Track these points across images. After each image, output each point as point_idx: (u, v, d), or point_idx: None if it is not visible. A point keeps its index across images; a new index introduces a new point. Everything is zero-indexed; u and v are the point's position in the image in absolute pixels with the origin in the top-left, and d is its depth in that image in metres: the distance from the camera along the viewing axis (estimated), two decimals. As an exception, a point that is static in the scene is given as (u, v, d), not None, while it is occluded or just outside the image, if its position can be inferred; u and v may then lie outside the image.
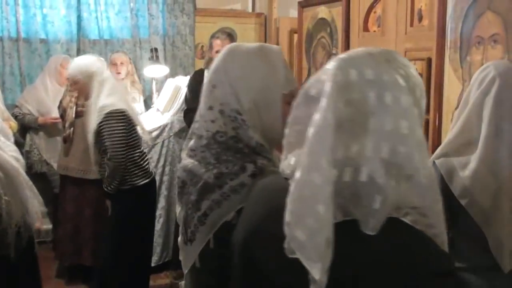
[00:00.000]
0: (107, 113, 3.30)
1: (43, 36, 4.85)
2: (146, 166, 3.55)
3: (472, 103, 1.75)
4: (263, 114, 1.48)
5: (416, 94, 0.97)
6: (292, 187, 0.96)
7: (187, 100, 4.16)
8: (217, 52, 3.92)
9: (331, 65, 0.98)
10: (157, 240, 4.40)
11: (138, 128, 3.55)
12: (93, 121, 3.35)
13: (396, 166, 0.91)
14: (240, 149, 1.44)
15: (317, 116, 0.93)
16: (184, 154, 1.57)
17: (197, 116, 1.53)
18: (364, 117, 0.92)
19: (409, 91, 0.94)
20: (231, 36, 4.07)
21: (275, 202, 1.05)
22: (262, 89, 1.48)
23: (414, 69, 1.01)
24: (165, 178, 4.44)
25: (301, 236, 0.92)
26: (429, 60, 2.76)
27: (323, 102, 0.93)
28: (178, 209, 1.61)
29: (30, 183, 2.70)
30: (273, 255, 0.97)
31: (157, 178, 4.39)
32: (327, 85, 0.94)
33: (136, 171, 3.46)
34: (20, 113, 4.39)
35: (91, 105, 3.43)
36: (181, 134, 4.39)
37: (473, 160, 1.71)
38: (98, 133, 3.34)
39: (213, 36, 4.10)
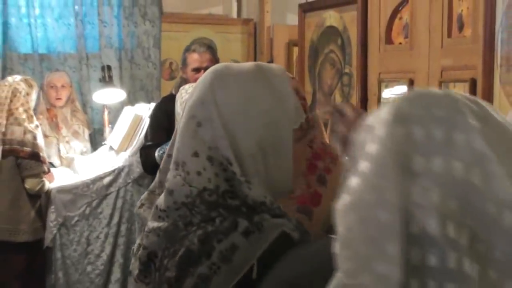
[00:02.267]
0: None
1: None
2: None
3: None
4: (269, 160, 1.47)
5: None
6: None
7: (146, 134, 4.16)
8: (193, 70, 3.94)
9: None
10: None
11: None
12: None
13: (457, 220, 0.94)
14: (236, 207, 1.44)
15: (371, 149, 0.99)
16: (146, 214, 1.56)
17: (172, 164, 1.51)
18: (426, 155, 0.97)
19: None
20: (211, 49, 4.09)
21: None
22: (267, 127, 1.47)
23: None
24: (121, 240, 4.42)
25: (367, 282, 0.94)
26: (473, 82, 2.78)
27: (380, 131, 0.98)
28: None
29: None
30: None
31: (110, 240, 4.38)
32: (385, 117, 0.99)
33: None
34: None
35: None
36: (143, 180, 4.39)
37: None
38: None
39: (187, 50, 4.09)
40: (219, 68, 1.53)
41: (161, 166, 1.60)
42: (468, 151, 0.95)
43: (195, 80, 3.85)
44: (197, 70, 3.95)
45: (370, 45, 3.52)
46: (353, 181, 0.99)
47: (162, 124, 4.06)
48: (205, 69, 3.85)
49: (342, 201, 1.01)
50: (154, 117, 4.16)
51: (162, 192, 1.53)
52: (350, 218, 0.98)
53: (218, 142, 1.44)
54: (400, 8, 3.32)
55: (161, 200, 1.50)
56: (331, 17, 3.89)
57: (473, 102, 1.00)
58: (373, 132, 0.99)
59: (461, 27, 2.96)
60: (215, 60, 3.98)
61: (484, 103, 1.01)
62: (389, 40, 3.42)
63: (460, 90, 2.84)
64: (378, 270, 0.93)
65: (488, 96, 2.68)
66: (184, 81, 4.11)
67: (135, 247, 1.57)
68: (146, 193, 1.63)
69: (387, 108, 1.00)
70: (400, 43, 3.36)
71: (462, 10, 2.95)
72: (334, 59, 3.87)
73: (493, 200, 0.93)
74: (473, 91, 2.75)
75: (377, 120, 1.01)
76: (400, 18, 3.35)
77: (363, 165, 0.98)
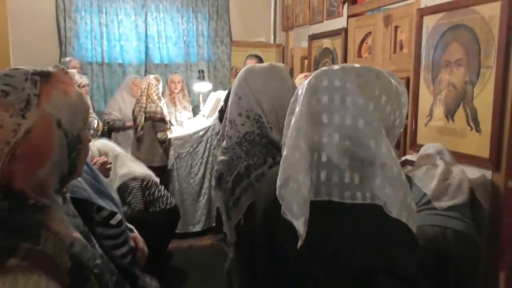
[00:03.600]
0: None
1: (120, 61, 4.90)
2: None
3: None
4: (278, 116, 1.47)
5: (380, 99, 0.92)
6: (281, 161, 0.96)
7: (222, 107, 4.18)
8: None
9: (312, 74, 0.97)
10: (202, 211, 4.42)
11: None
12: None
13: (350, 151, 0.89)
14: (265, 144, 1.43)
15: (296, 109, 0.94)
16: (218, 152, 1.56)
17: (227, 122, 1.51)
18: (329, 113, 0.91)
19: (367, 96, 0.90)
20: (259, 58, 4.05)
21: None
22: (277, 97, 1.47)
23: (386, 83, 0.95)
24: (209, 166, 4.46)
25: (286, 196, 0.91)
26: (407, 79, 2.71)
27: (301, 99, 0.94)
28: (213, 193, 1.60)
29: None
30: (280, 223, 0.96)
31: (203, 166, 4.42)
32: (305, 87, 0.95)
33: None
34: (110, 119, 4.45)
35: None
36: (221, 133, 4.41)
37: None
38: None
39: (246, 58, 4.12)
40: (249, 66, 1.55)
41: (222, 125, 1.61)
42: (355, 107, 0.89)
43: None
44: None
45: (348, 58, 3.46)
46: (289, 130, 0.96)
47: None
48: None
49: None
50: (226, 98, 4.17)
51: (223, 139, 1.53)
52: (285, 153, 0.95)
53: (252, 106, 1.46)
54: (366, 37, 3.26)
55: (224, 143, 1.50)
56: (326, 42, 3.82)
57: (359, 74, 0.93)
58: (300, 99, 0.95)
59: (401, 48, 2.89)
60: None
61: (364, 74, 0.93)
62: (359, 55, 3.36)
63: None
64: (292, 187, 0.91)
65: (416, 87, 2.62)
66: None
67: (214, 171, 1.57)
68: (216, 140, 1.64)
69: (305, 84, 0.96)
70: (366, 57, 3.29)
71: (402, 38, 2.88)
72: (328, 66, 3.81)
73: (373, 137, 0.88)
74: (407, 84, 2.69)
75: (300, 91, 0.97)
76: (367, 43, 3.28)
77: (291, 120, 0.96)
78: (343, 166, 0.88)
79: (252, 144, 1.43)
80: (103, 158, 2.21)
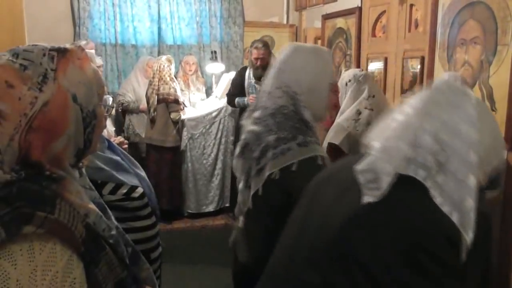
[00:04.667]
0: None
1: (133, 42, 4.90)
2: None
3: None
4: (314, 97, 1.50)
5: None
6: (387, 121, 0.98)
7: (230, 87, 4.18)
8: (254, 59, 3.91)
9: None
10: (215, 192, 4.46)
11: None
12: None
13: (445, 143, 0.91)
14: (297, 121, 1.46)
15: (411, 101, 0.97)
16: (247, 122, 1.58)
17: (262, 93, 1.54)
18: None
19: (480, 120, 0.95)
20: (266, 45, 4.00)
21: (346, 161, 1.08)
22: (316, 79, 1.50)
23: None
24: (222, 147, 4.48)
25: (377, 145, 0.94)
26: (422, 58, 2.67)
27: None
28: (234, 161, 1.62)
29: None
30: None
31: (215, 146, 4.44)
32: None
33: None
34: (124, 100, 4.45)
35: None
36: (233, 114, 4.41)
37: None
38: None
39: (252, 45, 4.05)
40: (295, 45, 1.57)
41: (257, 96, 1.65)
42: (465, 114, 0.92)
43: (256, 63, 3.88)
44: (256, 59, 3.93)
45: (362, 37, 3.39)
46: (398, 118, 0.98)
47: (237, 81, 4.07)
48: (261, 59, 3.84)
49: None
50: (234, 78, 4.18)
51: (257, 110, 1.56)
52: (391, 135, 0.95)
53: (291, 83, 1.48)
54: (381, 16, 3.20)
55: (258, 113, 1.54)
56: (340, 22, 3.77)
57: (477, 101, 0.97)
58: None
59: (416, 26, 2.83)
60: (267, 52, 3.92)
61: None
62: (373, 35, 3.29)
63: (415, 63, 2.73)
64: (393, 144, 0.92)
65: (432, 66, 2.58)
66: (250, 62, 4.05)
67: (241, 139, 1.60)
68: (247, 112, 1.65)
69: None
70: (380, 36, 3.23)
71: (417, 16, 2.82)
72: (341, 46, 3.77)
73: (468, 144, 0.90)
74: (422, 63, 2.65)
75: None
76: (381, 22, 3.22)
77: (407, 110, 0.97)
78: (433, 150, 0.90)
79: (285, 117, 1.46)
80: (120, 138, 2.23)
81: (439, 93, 0.95)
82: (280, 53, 1.57)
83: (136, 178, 1.48)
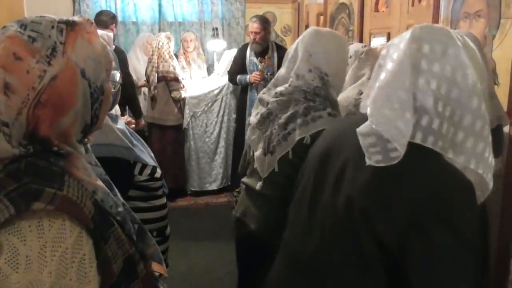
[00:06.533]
0: None
1: (134, 19, 4.86)
2: None
3: None
4: (339, 79, 1.65)
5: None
6: (377, 83, 0.97)
7: (231, 64, 4.16)
8: (251, 32, 3.91)
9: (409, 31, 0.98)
10: (218, 170, 4.49)
11: None
12: None
13: (444, 100, 0.91)
14: (324, 97, 1.58)
15: (394, 55, 0.96)
16: (267, 96, 1.68)
17: (293, 74, 1.62)
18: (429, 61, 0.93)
19: (468, 54, 0.94)
20: (262, 20, 3.96)
21: (353, 120, 1.06)
22: (340, 61, 1.65)
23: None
24: (224, 125, 4.49)
25: (388, 113, 0.92)
26: (425, 33, 2.64)
27: (402, 45, 0.95)
28: (250, 132, 1.71)
29: None
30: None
31: (218, 124, 4.45)
32: (406, 37, 0.96)
33: None
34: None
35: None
36: (235, 92, 4.40)
37: None
38: None
39: (250, 20, 4.04)
40: (317, 29, 1.68)
41: (277, 77, 1.72)
42: (455, 60, 0.92)
43: (253, 37, 3.90)
44: (253, 34, 3.93)
45: (365, 13, 3.37)
46: (382, 76, 0.97)
47: (238, 59, 4.05)
48: (257, 34, 3.83)
49: (376, 85, 0.98)
50: (236, 55, 4.16)
51: (277, 86, 1.67)
52: (380, 95, 0.95)
53: (321, 65, 1.60)
54: (384, -10, 3.15)
55: (281, 88, 1.64)
56: (343, -3, 3.72)
57: (459, 34, 0.96)
58: (398, 46, 0.96)
59: (420, 0, 2.80)
60: (262, 28, 3.89)
61: (464, 36, 0.97)
62: (376, 9, 3.26)
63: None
64: (399, 126, 0.91)
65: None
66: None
67: (265, 110, 1.66)
68: (266, 87, 1.75)
69: (406, 33, 0.97)
70: (383, 11, 3.20)
71: (421, -10, 2.78)
72: (344, 22, 3.73)
73: (467, 91, 0.90)
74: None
75: (399, 40, 0.98)
76: (384, -4, 3.18)
77: (390, 66, 0.96)
78: (435, 112, 0.91)
79: (315, 92, 1.57)
80: (127, 118, 2.25)
81: (423, 43, 0.93)
82: (303, 37, 1.65)
83: (150, 158, 1.52)
